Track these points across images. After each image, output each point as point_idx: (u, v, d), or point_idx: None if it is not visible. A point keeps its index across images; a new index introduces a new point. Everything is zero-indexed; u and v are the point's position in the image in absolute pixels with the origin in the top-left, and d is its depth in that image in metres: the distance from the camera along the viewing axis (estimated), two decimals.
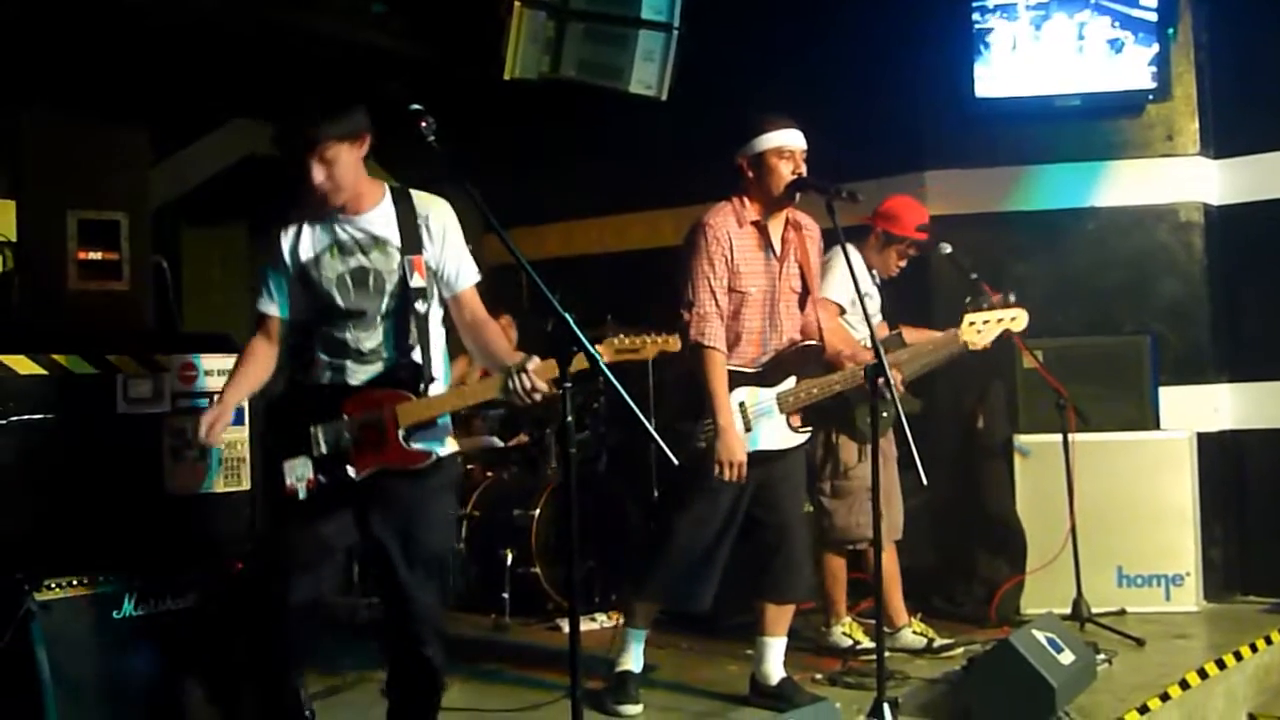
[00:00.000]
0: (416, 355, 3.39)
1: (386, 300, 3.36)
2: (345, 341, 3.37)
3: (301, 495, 3.32)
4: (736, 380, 4.21)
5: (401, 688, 3.50)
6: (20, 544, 3.94)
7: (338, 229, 3.38)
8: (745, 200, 4.28)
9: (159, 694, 3.82)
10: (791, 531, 4.36)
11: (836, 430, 4.97)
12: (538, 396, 3.21)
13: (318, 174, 3.23)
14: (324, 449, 3.32)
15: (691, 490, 4.19)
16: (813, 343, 4.37)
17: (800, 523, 4.47)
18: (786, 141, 4.21)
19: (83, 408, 4.25)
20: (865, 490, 4.72)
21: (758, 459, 4.20)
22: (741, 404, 4.20)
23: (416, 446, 3.34)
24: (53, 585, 3.69)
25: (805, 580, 4.51)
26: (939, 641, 5.05)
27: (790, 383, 4.31)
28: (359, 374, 3.37)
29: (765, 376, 4.28)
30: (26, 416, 4.12)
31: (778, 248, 4.31)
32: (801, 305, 4.40)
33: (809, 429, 4.38)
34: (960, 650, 4.95)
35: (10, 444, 4.07)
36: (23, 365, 4.16)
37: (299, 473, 3.32)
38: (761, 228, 4.28)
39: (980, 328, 4.72)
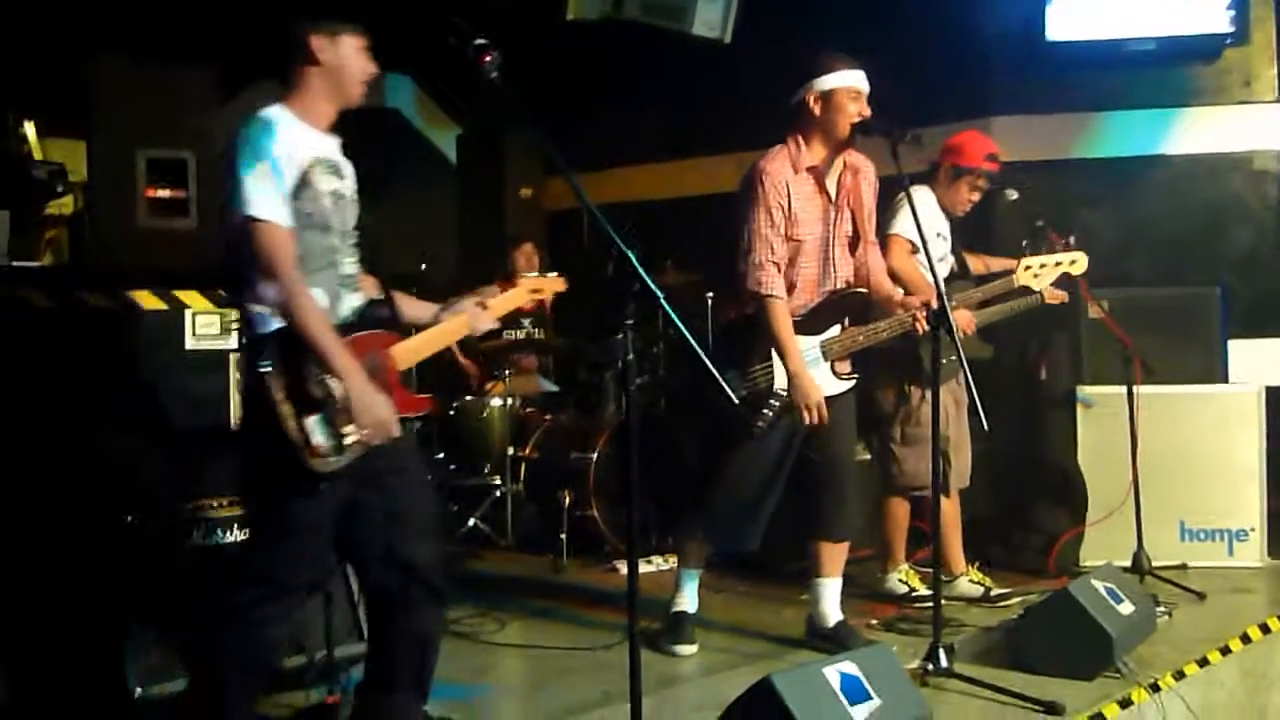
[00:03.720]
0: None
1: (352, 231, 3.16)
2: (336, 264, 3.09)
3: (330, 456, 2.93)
4: None
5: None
6: (100, 475, 4.05)
7: (318, 144, 3.07)
8: (801, 143, 4.22)
9: None
10: (841, 469, 4.35)
11: (907, 378, 4.94)
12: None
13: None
14: (339, 403, 2.92)
15: (740, 434, 4.19)
16: (860, 290, 4.34)
17: (850, 461, 4.46)
18: (857, 82, 4.17)
19: (152, 342, 4.34)
20: None
21: None
22: None
23: (417, 393, 3.17)
24: (133, 518, 3.77)
25: (855, 518, 4.52)
26: (995, 590, 5.03)
27: (835, 330, 4.29)
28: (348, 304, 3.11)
29: (810, 323, 4.25)
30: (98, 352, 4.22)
31: (833, 193, 4.27)
32: (851, 250, 4.37)
33: (855, 375, 4.35)
34: (1017, 600, 4.92)
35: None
36: (94, 300, 4.25)
37: (321, 430, 2.90)
38: (818, 173, 4.23)
39: (1037, 271, 4.65)
